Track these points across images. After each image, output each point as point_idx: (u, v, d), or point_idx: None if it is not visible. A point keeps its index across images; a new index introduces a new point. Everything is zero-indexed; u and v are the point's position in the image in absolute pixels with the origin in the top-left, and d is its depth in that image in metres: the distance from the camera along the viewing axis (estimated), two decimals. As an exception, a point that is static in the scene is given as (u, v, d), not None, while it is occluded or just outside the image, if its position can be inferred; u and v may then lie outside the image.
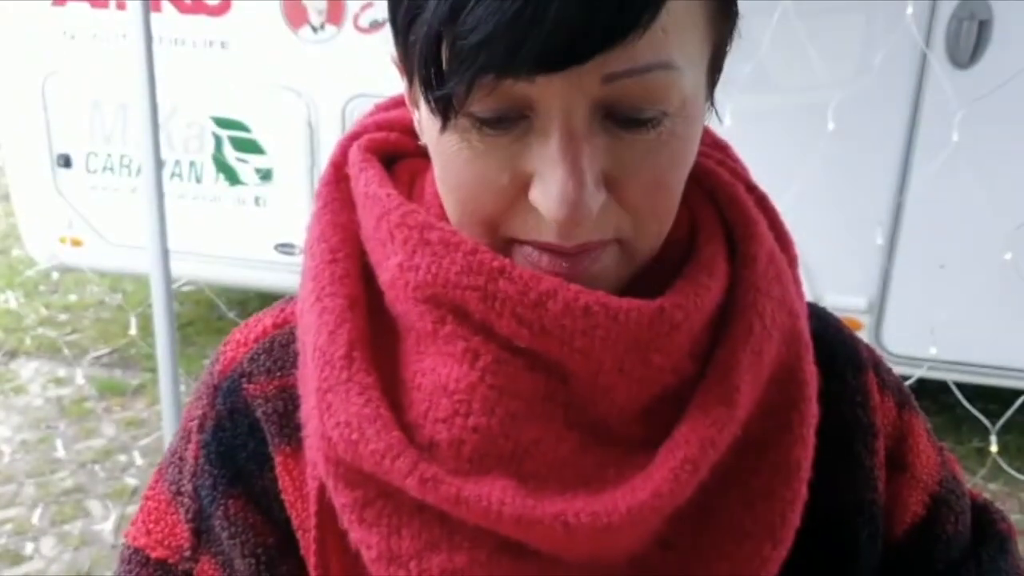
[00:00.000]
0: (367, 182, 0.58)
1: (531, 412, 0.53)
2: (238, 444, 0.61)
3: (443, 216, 0.56)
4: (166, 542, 0.63)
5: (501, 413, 0.53)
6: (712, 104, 0.57)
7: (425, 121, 0.54)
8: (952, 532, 0.65)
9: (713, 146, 0.64)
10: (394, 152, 0.62)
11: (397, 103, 0.65)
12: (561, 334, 0.51)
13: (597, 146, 0.49)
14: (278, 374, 0.62)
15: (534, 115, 0.49)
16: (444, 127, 0.50)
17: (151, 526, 0.64)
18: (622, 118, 0.49)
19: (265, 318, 0.65)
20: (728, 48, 0.55)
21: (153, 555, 0.63)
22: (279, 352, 0.62)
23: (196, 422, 0.63)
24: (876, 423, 0.63)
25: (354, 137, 0.63)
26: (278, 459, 0.60)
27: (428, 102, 0.50)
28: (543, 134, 0.49)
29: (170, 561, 0.63)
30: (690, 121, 0.52)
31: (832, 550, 0.62)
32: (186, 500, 0.63)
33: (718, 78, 0.56)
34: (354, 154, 0.61)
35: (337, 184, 0.61)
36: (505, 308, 0.52)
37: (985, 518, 0.69)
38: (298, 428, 0.58)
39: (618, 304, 0.52)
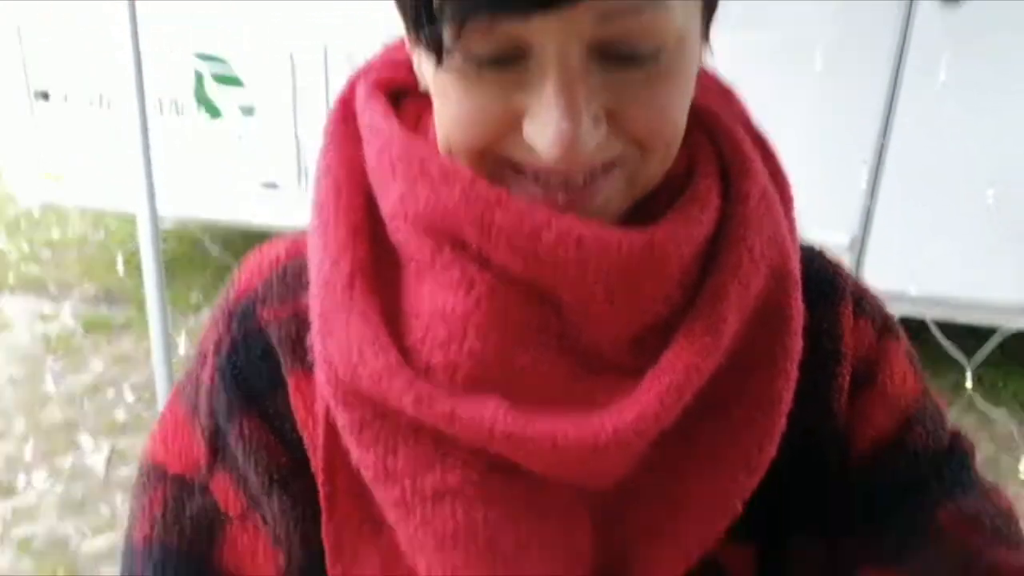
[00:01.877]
0: (372, 114, 0.59)
1: (524, 340, 0.55)
2: (252, 367, 0.63)
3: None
4: (183, 456, 0.64)
5: (495, 339, 0.54)
6: (707, 40, 0.57)
7: (424, 58, 0.54)
8: (922, 447, 0.65)
9: (718, 92, 0.64)
10: (401, 88, 0.63)
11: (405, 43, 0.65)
12: (554, 264, 0.52)
13: (595, 84, 0.50)
14: (291, 299, 0.63)
15: (531, 55, 0.49)
16: (439, 65, 0.51)
17: (169, 440, 0.65)
18: (618, 56, 0.50)
19: (279, 245, 0.66)
20: None
21: (171, 471, 0.64)
22: (292, 280, 0.63)
23: (212, 345, 0.65)
24: (841, 349, 0.64)
25: (363, 74, 0.63)
26: (291, 381, 0.62)
27: (422, 43, 0.50)
28: (539, 73, 0.50)
29: (187, 476, 0.64)
30: (686, 56, 0.53)
31: (801, 475, 0.63)
32: (202, 418, 0.64)
33: (713, 15, 0.56)
34: (361, 89, 0.61)
35: (344, 120, 0.62)
36: (500, 238, 0.53)
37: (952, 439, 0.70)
38: (309, 351, 0.60)
39: (610, 235, 0.53)
